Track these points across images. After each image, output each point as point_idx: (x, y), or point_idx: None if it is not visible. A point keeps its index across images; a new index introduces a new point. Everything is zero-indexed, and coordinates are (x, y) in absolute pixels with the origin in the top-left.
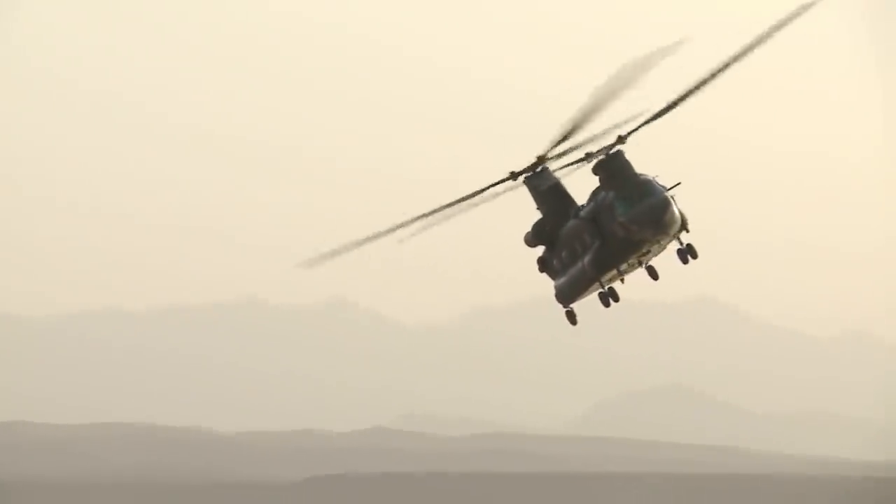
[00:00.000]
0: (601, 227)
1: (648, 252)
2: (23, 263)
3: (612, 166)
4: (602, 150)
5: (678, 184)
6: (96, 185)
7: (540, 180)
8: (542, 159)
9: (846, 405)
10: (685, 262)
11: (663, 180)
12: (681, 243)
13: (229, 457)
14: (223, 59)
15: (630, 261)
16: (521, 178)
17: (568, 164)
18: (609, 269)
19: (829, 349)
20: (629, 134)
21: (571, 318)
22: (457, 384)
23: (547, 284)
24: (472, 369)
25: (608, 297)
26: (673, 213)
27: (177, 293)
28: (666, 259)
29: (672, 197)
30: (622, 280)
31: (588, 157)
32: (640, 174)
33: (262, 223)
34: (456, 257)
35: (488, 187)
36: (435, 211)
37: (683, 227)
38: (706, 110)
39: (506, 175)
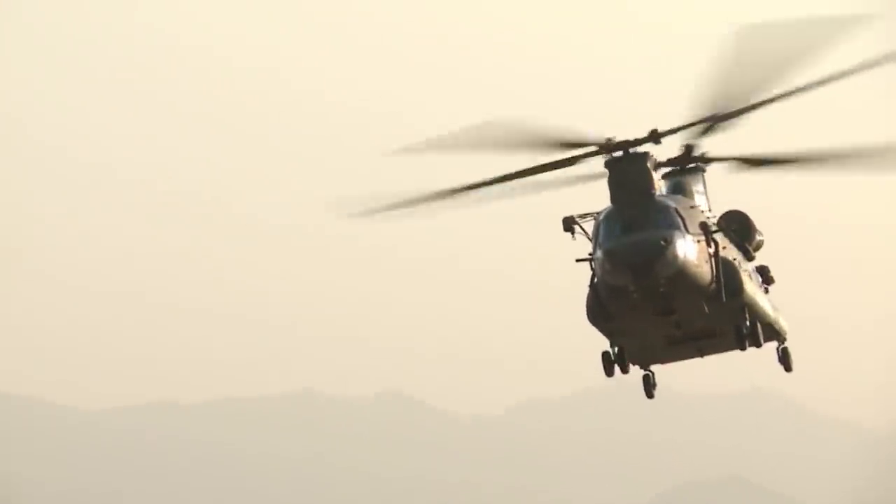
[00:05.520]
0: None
1: (674, 312)
2: (76, 356)
3: (623, 170)
4: (621, 143)
5: (719, 230)
6: (147, 276)
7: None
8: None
9: None
10: (742, 348)
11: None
12: (743, 319)
13: None
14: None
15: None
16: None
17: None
18: (599, 321)
19: (890, 443)
20: (668, 133)
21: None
22: (507, 476)
23: (599, 376)
24: (522, 462)
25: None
26: (667, 262)
27: (229, 385)
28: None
29: (693, 241)
30: (701, 356)
31: (603, 149)
32: (661, 196)
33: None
34: (506, 347)
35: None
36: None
37: (720, 290)
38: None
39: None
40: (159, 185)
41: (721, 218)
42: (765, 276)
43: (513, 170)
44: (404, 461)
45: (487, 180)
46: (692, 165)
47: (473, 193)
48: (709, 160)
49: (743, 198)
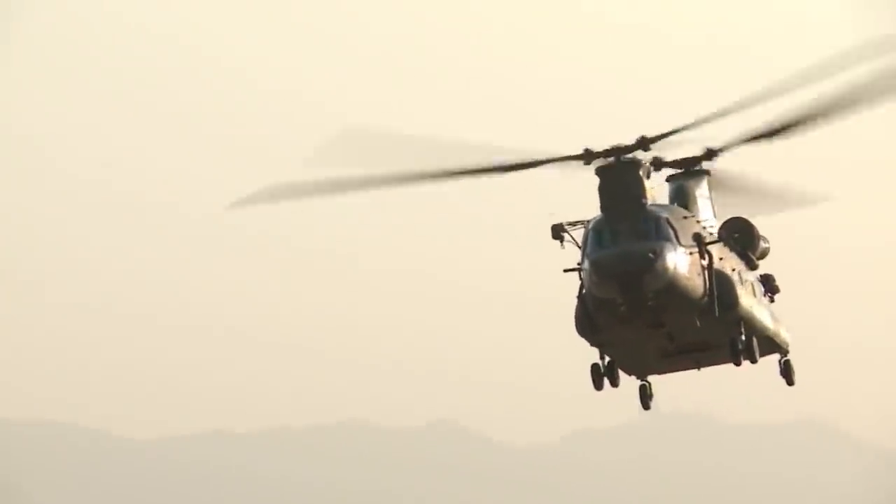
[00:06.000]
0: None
1: (665, 325)
2: (130, 386)
3: (613, 178)
4: (610, 150)
5: (717, 241)
6: (199, 306)
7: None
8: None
9: None
10: (737, 363)
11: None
12: (738, 333)
13: None
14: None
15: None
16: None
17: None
18: (587, 332)
19: None
20: (659, 138)
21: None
22: None
23: (659, 405)
24: (576, 491)
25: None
26: (655, 276)
27: (281, 415)
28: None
29: (684, 254)
30: (698, 368)
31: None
32: (653, 206)
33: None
34: (559, 375)
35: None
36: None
37: (713, 304)
38: None
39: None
40: (211, 213)
41: (723, 225)
42: (769, 285)
43: (496, 164)
44: (457, 491)
45: (471, 168)
46: (697, 168)
47: (453, 178)
48: (715, 153)
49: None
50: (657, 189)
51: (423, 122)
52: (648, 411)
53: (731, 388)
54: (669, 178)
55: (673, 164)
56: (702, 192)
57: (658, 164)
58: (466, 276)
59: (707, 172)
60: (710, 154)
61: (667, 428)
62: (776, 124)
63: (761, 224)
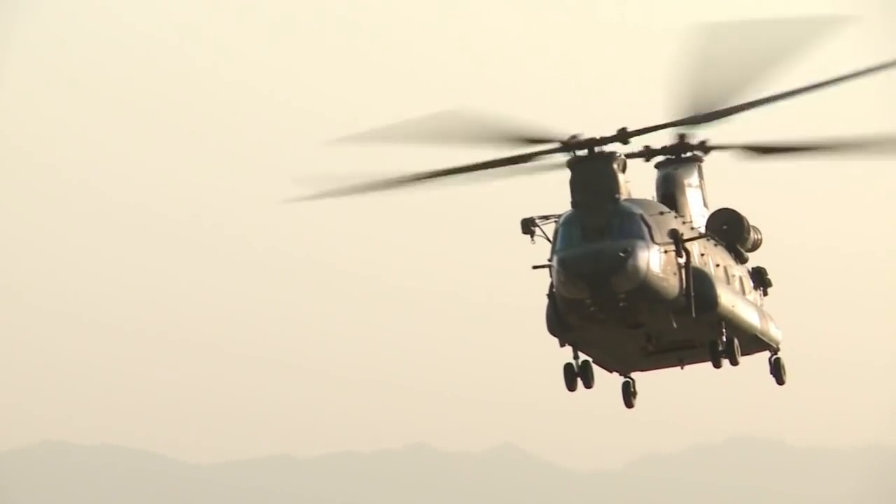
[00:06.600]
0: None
1: (641, 325)
2: (188, 408)
3: (585, 171)
4: (586, 141)
5: (700, 237)
6: (262, 331)
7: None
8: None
9: None
10: (716, 365)
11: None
12: (719, 334)
13: None
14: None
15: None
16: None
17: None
18: (558, 331)
19: None
20: (638, 133)
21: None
22: None
23: (717, 431)
24: None
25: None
26: (626, 276)
27: (344, 440)
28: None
29: (658, 252)
30: (681, 366)
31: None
32: (626, 201)
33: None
34: (623, 401)
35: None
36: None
37: (690, 304)
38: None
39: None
40: (280, 249)
41: (711, 217)
42: (760, 278)
43: (467, 163)
44: None
45: (441, 170)
46: (688, 155)
47: (428, 182)
48: (709, 149)
49: (754, 188)
50: (647, 176)
51: (400, 114)
52: (632, 409)
53: (796, 411)
54: (658, 165)
55: (663, 151)
56: (692, 180)
57: (648, 151)
58: (526, 301)
59: (699, 160)
60: (704, 147)
61: (732, 452)
62: (777, 143)
63: (753, 215)
